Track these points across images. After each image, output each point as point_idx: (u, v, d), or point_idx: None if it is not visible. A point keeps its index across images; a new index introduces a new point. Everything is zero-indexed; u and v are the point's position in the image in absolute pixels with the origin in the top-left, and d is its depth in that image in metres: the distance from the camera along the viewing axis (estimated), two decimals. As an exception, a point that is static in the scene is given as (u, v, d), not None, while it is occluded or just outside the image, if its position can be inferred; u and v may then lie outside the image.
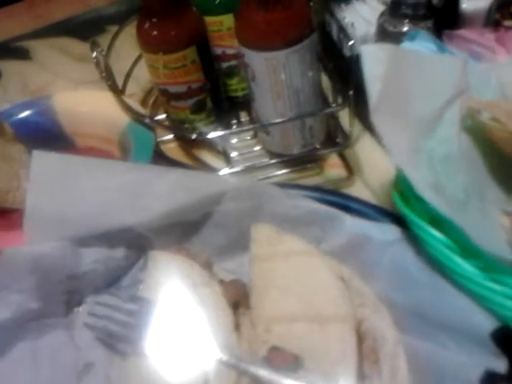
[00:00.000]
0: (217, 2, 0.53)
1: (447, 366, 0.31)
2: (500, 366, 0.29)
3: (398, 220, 0.38)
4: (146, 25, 0.50)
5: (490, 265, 0.30)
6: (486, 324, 0.30)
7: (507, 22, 0.53)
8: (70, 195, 0.40)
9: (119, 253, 0.42)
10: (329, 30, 0.61)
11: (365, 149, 0.54)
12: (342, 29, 0.54)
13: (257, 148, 0.56)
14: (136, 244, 0.42)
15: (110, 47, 0.59)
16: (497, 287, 0.30)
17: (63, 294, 0.40)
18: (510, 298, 0.29)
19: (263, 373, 0.32)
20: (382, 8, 0.56)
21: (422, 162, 0.35)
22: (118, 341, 0.37)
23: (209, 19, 0.54)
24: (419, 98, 0.37)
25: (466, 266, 0.31)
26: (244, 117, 0.61)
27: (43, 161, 0.41)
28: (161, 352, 0.35)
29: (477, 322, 0.31)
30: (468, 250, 0.31)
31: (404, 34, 0.50)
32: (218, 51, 0.56)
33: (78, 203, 0.40)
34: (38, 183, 0.40)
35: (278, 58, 0.45)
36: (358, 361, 0.32)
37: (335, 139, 0.54)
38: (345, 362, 0.32)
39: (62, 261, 0.39)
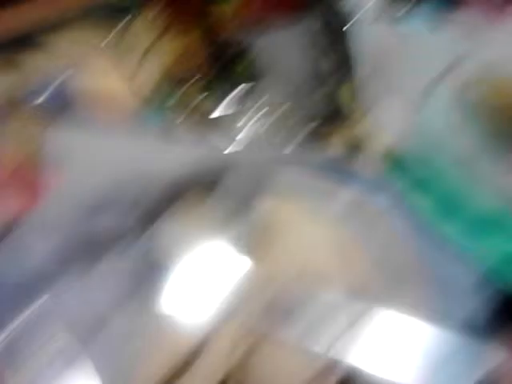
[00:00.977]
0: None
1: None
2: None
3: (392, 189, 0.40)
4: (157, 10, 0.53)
5: (468, 224, 0.32)
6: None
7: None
8: (83, 169, 0.43)
9: (130, 222, 0.44)
10: (329, 12, 0.62)
11: (366, 126, 0.56)
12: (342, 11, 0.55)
13: (261, 130, 0.58)
14: (145, 214, 0.44)
15: (123, 36, 0.62)
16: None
17: (80, 258, 0.43)
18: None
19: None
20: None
21: (413, 136, 0.37)
22: (133, 299, 0.40)
23: (214, 6, 0.56)
24: (411, 73, 0.39)
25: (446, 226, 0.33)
26: (249, 101, 0.63)
27: (58, 138, 0.43)
28: (172, 311, 0.38)
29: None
30: (449, 210, 0.33)
31: (401, 16, 0.52)
32: (224, 37, 0.58)
33: (91, 176, 0.43)
34: (53, 159, 0.43)
35: (276, 40, 0.47)
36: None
37: (336, 118, 0.56)
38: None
39: (77, 227, 0.42)
